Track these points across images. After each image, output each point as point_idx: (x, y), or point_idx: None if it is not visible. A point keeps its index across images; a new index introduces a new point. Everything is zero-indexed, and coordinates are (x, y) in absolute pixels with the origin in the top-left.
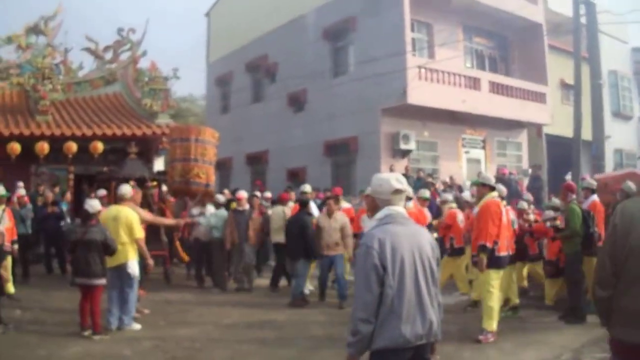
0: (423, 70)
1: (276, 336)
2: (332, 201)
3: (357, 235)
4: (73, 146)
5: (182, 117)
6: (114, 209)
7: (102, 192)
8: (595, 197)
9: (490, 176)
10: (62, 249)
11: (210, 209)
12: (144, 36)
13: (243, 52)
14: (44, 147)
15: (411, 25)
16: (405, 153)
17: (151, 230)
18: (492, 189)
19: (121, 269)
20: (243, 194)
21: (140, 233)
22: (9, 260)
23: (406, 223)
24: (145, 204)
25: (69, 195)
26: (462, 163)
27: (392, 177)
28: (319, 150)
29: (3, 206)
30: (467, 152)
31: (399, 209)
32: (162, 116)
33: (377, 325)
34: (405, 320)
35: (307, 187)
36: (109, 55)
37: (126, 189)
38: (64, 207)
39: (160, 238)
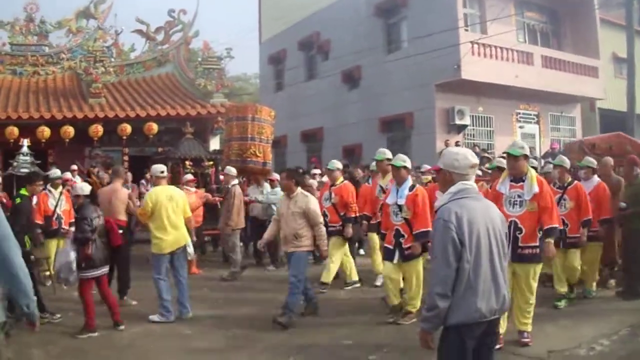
0: (476, 46)
1: (336, 315)
2: (283, 175)
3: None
4: (127, 128)
5: (236, 96)
6: (168, 188)
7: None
8: (597, 179)
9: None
10: None
11: (267, 187)
12: (195, 17)
13: (295, 30)
14: (97, 129)
15: (463, 0)
16: (460, 128)
17: (209, 208)
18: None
19: (178, 253)
20: (227, 170)
21: (189, 212)
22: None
23: (479, 198)
24: (203, 183)
25: (129, 176)
26: (516, 138)
27: (467, 152)
28: (374, 126)
29: (60, 188)
30: (521, 127)
31: (472, 183)
32: (217, 96)
33: (452, 300)
34: (481, 295)
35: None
36: (160, 37)
37: (162, 167)
38: (128, 190)
39: (217, 217)
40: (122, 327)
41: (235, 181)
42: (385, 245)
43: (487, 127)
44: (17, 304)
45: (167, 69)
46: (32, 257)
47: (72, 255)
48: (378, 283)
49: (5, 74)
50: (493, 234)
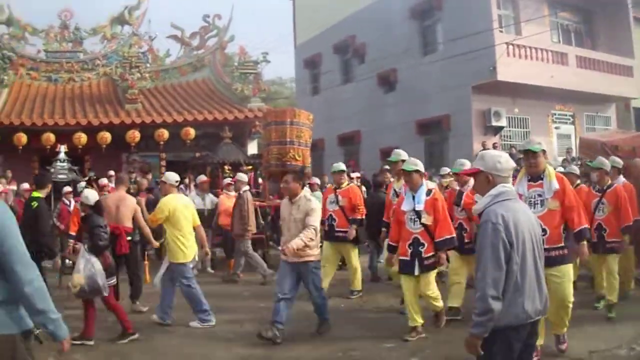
0: (511, 47)
1: (378, 318)
2: (289, 177)
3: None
4: (164, 133)
5: (271, 100)
6: (182, 197)
7: (202, 177)
8: (623, 179)
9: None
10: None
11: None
12: (230, 21)
13: (330, 33)
14: (134, 135)
15: (497, 1)
16: (497, 130)
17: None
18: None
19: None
20: (238, 176)
21: (198, 220)
22: None
23: (518, 200)
24: None
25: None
26: (552, 139)
27: (506, 154)
28: (411, 129)
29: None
30: (557, 128)
31: (511, 185)
32: (254, 100)
33: (503, 302)
34: (528, 295)
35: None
36: (195, 42)
37: (177, 176)
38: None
39: (257, 221)
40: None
41: (246, 187)
42: (401, 257)
43: (523, 128)
44: (34, 321)
45: (203, 74)
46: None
47: (98, 263)
48: None
49: (40, 81)
50: (534, 235)
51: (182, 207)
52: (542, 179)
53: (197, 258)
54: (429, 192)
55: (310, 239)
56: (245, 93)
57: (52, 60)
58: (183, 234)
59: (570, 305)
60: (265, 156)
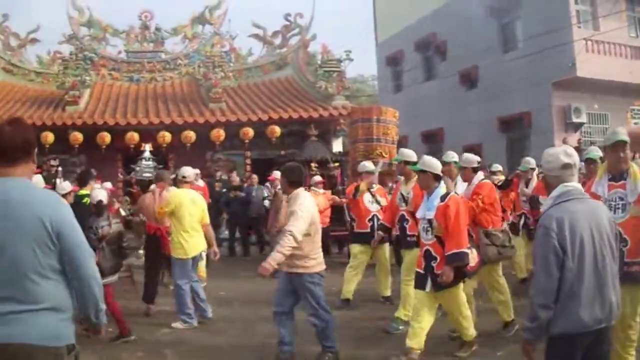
0: (589, 43)
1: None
2: (282, 176)
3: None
4: (250, 131)
5: (354, 98)
6: (191, 192)
7: None
8: None
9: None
10: (246, 233)
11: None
12: (312, 20)
13: (411, 31)
14: (219, 133)
15: None
16: (577, 126)
17: (336, 209)
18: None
19: (197, 257)
20: (274, 174)
21: (207, 218)
22: None
23: (584, 199)
24: (329, 184)
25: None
26: None
27: (560, 151)
28: (493, 126)
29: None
30: (636, 124)
31: (574, 184)
32: (338, 98)
33: (556, 309)
34: (584, 304)
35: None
36: (277, 41)
37: (188, 171)
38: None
39: (344, 218)
40: (133, 337)
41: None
42: (416, 269)
43: (603, 124)
44: (85, 313)
45: (287, 72)
46: None
47: None
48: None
49: (122, 81)
50: (599, 237)
51: (189, 202)
52: (624, 178)
53: (204, 256)
54: (444, 197)
55: (289, 247)
56: (329, 91)
57: (133, 61)
58: (185, 229)
59: (635, 337)
60: (352, 153)
